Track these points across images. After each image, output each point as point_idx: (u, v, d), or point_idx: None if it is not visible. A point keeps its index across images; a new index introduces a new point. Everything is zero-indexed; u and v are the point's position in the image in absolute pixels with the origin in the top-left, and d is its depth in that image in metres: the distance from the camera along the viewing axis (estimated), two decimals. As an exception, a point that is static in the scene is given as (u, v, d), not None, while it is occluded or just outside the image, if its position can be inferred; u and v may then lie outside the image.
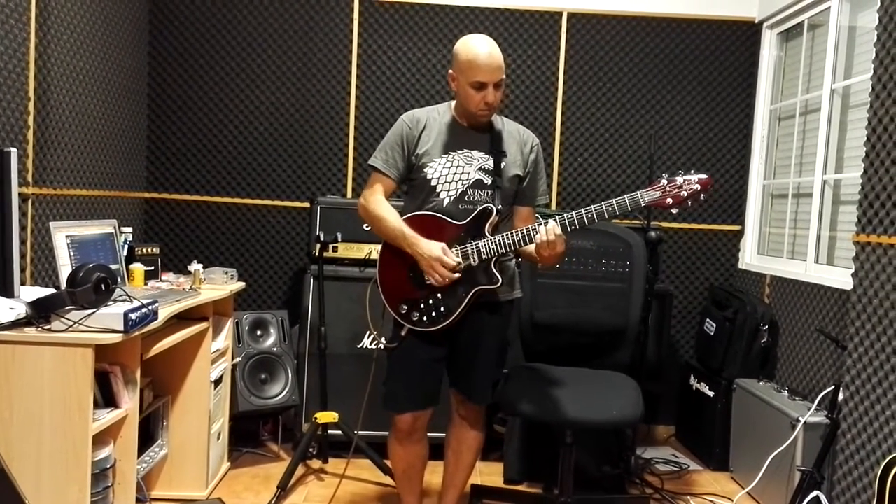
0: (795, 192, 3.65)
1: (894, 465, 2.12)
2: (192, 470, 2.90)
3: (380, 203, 2.38)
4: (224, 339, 3.15)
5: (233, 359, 3.29)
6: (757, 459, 3.12)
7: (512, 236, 2.27)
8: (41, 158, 2.79)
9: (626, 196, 2.20)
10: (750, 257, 4.00)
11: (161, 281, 3.06)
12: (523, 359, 3.02)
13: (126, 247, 2.96)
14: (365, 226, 2.62)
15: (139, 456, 2.48)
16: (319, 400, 3.23)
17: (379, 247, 2.45)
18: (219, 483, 3.10)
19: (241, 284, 3.25)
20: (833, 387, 2.79)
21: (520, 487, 3.27)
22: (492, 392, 2.52)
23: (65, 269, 2.41)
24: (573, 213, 2.22)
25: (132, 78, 3.64)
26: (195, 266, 3.01)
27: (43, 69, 2.77)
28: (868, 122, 2.60)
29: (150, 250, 3.13)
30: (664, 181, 2.20)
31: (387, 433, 2.54)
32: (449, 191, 2.34)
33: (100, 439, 2.18)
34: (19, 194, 2.21)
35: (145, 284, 2.90)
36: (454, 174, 2.35)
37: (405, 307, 2.35)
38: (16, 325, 2.07)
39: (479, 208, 2.32)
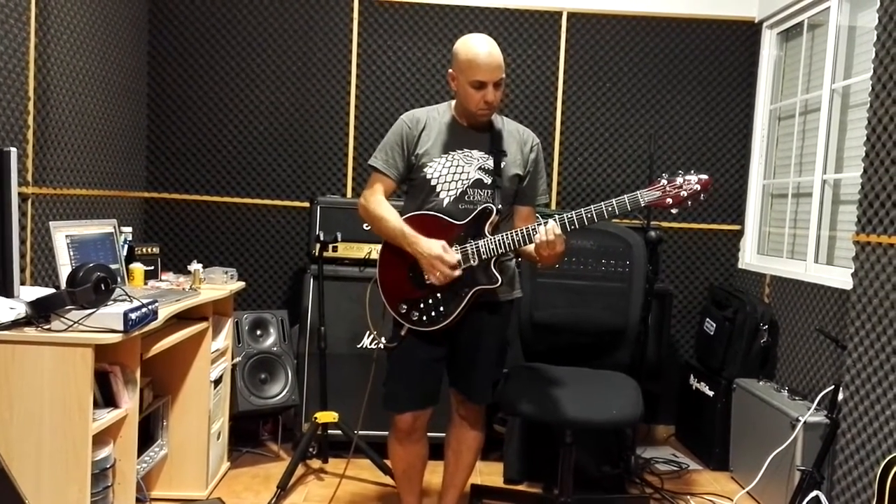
0: (795, 191, 3.65)
1: (894, 464, 2.12)
2: (192, 470, 2.90)
3: (380, 203, 2.38)
4: (224, 339, 3.15)
5: (233, 358, 3.29)
6: (757, 459, 3.12)
7: (512, 236, 2.27)
8: (41, 158, 2.79)
9: (625, 196, 2.20)
10: (750, 257, 4.00)
11: (161, 281, 3.06)
12: (523, 358, 3.02)
13: (126, 246, 2.96)
14: (365, 225, 2.62)
15: (139, 456, 2.48)
16: (319, 400, 3.23)
17: (379, 247, 2.45)
18: (219, 483, 3.10)
19: (241, 284, 3.25)
20: (833, 386, 2.79)
21: (520, 487, 3.27)
22: (492, 392, 2.52)
23: (65, 269, 2.41)
24: (573, 213, 2.22)
25: (132, 78, 3.64)
26: (195, 266, 3.01)
27: (43, 69, 2.77)
28: (868, 122, 2.60)
29: (149, 250, 3.13)
30: (664, 181, 2.20)
31: (387, 433, 2.54)
32: (449, 190, 2.34)
33: (100, 439, 2.18)
34: (19, 194, 2.21)
35: (145, 284, 2.90)
36: (454, 174, 2.35)
37: (405, 307, 2.35)
38: (16, 324, 2.07)
39: (479, 208, 2.31)
